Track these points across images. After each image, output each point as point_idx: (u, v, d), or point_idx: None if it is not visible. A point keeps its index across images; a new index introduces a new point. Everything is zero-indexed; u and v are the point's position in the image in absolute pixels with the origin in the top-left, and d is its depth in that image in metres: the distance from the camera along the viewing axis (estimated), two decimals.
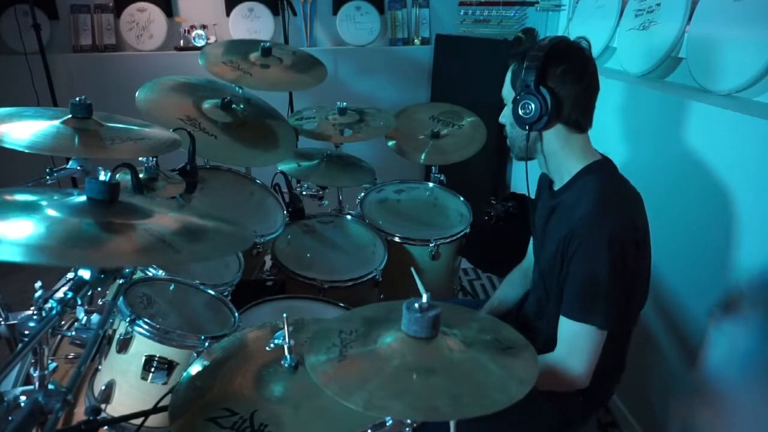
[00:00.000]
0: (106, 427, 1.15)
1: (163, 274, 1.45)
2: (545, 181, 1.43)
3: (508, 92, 1.32)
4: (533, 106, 1.23)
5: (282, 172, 2.22)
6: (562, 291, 1.25)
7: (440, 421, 0.76)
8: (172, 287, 1.42)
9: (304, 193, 2.29)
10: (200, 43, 3.29)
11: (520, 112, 1.25)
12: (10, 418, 0.82)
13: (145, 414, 1.07)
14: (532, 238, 1.57)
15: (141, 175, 1.46)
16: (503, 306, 1.63)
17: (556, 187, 1.35)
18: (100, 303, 1.35)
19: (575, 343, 1.22)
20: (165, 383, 1.21)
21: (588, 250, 1.19)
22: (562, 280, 1.25)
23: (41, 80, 3.02)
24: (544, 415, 1.33)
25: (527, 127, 1.26)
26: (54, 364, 0.93)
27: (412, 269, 1.42)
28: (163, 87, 1.95)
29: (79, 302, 0.87)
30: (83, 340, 1.09)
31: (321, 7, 3.48)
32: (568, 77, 1.24)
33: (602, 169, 1.31)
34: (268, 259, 2.07)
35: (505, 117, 1.35)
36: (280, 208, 2.10)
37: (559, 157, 1.31)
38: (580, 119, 1.27)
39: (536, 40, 1.28)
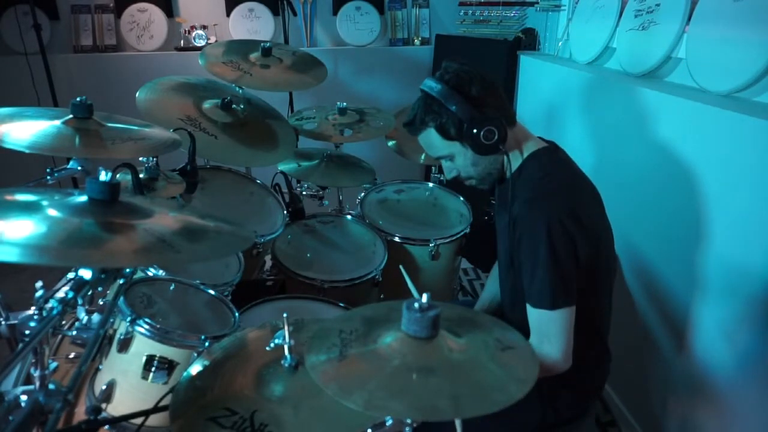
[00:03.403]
0: (106, 427, 1.15)
1: (164, 274, 1.45)
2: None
3: (446, 148, 1.34)
4: (494, 128, 1.26)
5: (282, 172, 2.22)
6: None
7: (440, 421, 0.76)
8: (172, 287, 1.42)
9: (304, 193, 2.30)
10: (200, 43, 3.30)
11: (485, 141, 1.26)
12: (10, 417, 0.82)
13: (146, 413, 1.08)
14: None
15: (141, 175, 1.46)
16: (494, 302, 1.65)
17: (503, 180, 1.39)
18: (101, 303, 1.35)
19: (544, 330, 1.24)
20: (165, 383, 1.21)
21: (529, 237, 1.23)
22: (517, 269, 1.28)
23: (42, 80, 3.03)
24: (535, 412, 1.34)
25: (500, 150, 1.29)
26: (54, 364, 0.93)
27: (401, 267, 1.43)
28: (163, 87, 1.95)
29: (80, 302, 0.88)
30: (84, 340, 1.09)
31: (321, 8, 3.48)
32: (481, 88, 1.28)
33: (539, 158, 1.33)
34: (268, 259, 2.08)
35: (460, 167, 1.37)
36: (280, 208, 2.10)
37: (508, 156, 1.34)
38: (509, 113, 1.33)
39: (424, 101, 1.31)
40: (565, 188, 1.29)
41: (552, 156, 1.35)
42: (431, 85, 1.29)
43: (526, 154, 1.34)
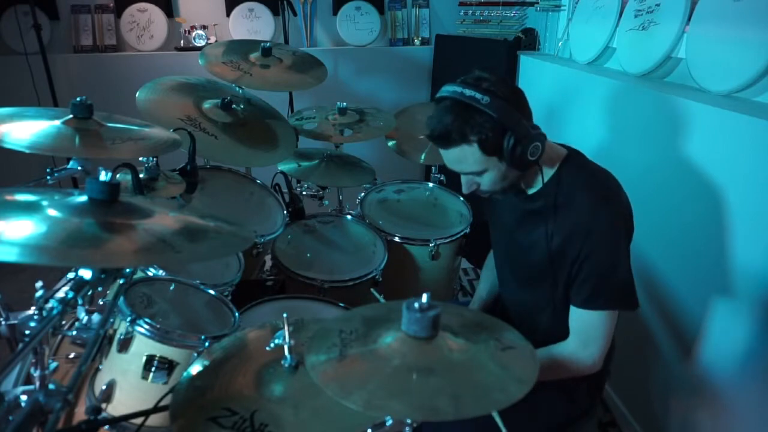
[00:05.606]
0: (106, 427, 1.15)
1: (164, 274, 1.45)
2: None
3: (481, 164, 1.21)
4: (540, 143, 1.19)
5: (282, 172, 2.22)
6: (568, 286, 1.27)
7: (440, 420, 0.77)
8: (172, 287, 1.42)
9: (304, 193, 2.30)
10: (200, 43, 3.30)
11: (530, 157, 1.18)
12: (10, 417, 0.82)
13: (146, 413, 1.07)
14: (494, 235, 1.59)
15: (141, 175, 1.46)
16: (491, 296, 1.66)
17: (531, 191, 1.32)
18: (101, 303, 1.35)
19: (592, 333, 1.24)
20: (165, 383, 1.21)
21: (603, 241, 1.21)
22: (573, 275, 1.25)
23: (42, 80, 3.03)
24: (556, 406, 1.36)
25: (535, 165, 1.23)
26: (54, 364, 0.93)
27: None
28: (163, 87, 1.95)
29: (80, 302, 0.88)
30: (84, 340, 1.09)
31: (321, 8, 3.48)
32: (520, 99, 1.21)
33: (574, 164, 1.30)
34: (268, 259, 2.08)
35: (486, 181, 1.26)
36: (280, 208, 2.10)
37: (541, 169, 1.29)
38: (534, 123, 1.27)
39: (463, 113, 1.16)
40: (618, 188, 1.28)
41: (584, 159, 1.32)
42: (473, 95, 1.14)
43: (557, 162, 1.29)
